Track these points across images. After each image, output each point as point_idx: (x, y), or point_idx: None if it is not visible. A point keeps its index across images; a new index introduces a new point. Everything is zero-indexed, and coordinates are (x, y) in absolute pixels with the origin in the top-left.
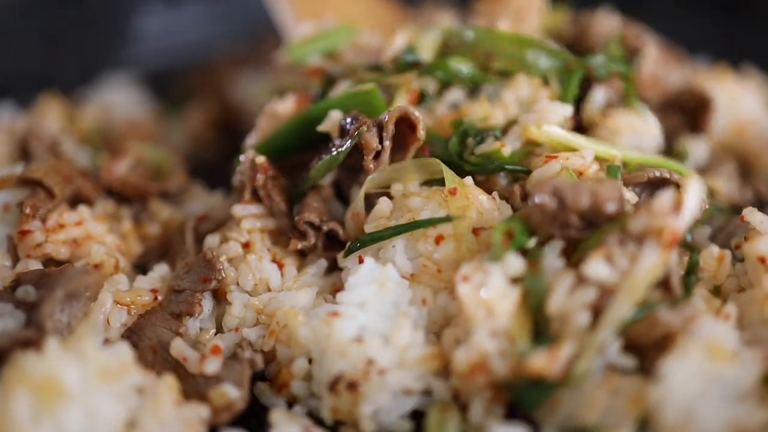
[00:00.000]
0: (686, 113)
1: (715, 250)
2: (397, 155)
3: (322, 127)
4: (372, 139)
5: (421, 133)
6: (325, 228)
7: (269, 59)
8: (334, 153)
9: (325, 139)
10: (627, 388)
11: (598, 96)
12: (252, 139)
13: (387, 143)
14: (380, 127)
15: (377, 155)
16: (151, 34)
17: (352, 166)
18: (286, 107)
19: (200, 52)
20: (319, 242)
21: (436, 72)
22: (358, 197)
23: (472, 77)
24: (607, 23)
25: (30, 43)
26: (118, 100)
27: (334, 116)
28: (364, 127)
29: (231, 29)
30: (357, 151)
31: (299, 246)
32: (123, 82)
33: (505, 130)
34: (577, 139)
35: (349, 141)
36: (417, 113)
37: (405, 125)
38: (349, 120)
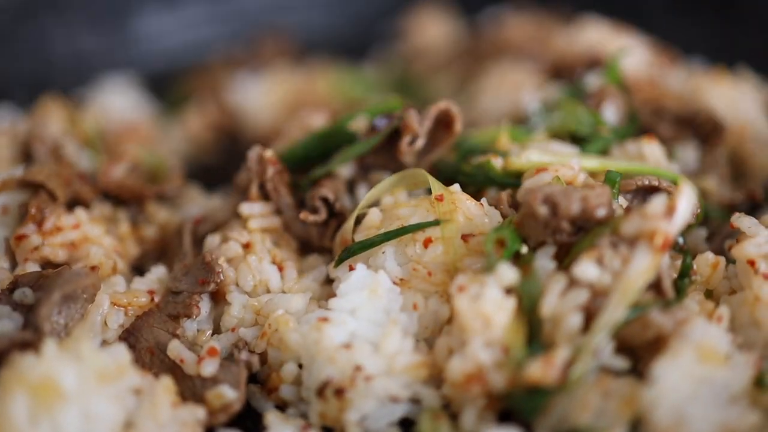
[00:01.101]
0: (698, 133)
1: (710, 256)
2: (430, 151)
3: (352, 126)
4: (414, 122)
5: (458, 127)
6: (338, 206)
7: (267, 61)
8: (366, 140)
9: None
10: (619, 390)
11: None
12: (276, 145)
13: (422, 129)
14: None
15: (412, 142)
16: (149, 36)
17: (371, 165)
18: (318, 120)
19: (198, 54)
20: (330, 232)
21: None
22: (350, 220)
23: None
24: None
25: (27, 45)
26: (116, 102)
27: (363, 119)
28: (409, 112)
29: (229, 31)
30: (387, 145)
31: (310, 218)
32: (121, 85)
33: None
34: (562, 152)
35: (388, 124)
36: (457, 109)
37: (443, 124)
38: (381, 118)
